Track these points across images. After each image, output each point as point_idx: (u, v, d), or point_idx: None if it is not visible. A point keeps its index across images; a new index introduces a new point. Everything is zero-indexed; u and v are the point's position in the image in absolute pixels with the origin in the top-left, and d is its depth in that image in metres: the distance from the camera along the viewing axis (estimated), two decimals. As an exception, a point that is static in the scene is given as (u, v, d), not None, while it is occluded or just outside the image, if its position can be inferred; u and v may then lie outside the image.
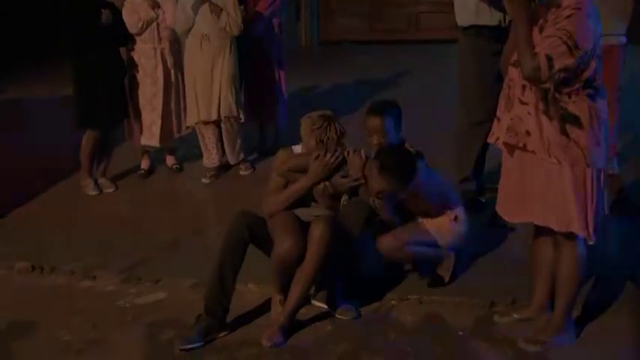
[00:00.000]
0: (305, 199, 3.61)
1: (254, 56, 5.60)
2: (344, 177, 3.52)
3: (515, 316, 3.41)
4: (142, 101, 5.48)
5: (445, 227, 3.67)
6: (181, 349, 3.33)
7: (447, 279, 3.74)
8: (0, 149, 6.25)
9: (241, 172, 5.53)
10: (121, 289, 4.08)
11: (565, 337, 3.19)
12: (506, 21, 4.19)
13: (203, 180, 5.53)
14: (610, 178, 4.18)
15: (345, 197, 3.57)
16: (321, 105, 7.06)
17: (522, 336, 3.23)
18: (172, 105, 5.53)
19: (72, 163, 5.66)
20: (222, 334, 3.44)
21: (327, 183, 3.52)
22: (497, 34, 4.19)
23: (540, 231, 3.23)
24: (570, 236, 3.03)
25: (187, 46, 5.34)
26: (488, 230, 4.17)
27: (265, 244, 3.54)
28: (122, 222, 5.01)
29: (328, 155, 3.50)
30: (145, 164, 5.76)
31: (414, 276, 3.84)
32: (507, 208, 3.22)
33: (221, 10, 5.17)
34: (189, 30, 5.26)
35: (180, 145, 6.04)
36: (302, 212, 3.59)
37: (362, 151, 3.57)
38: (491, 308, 3.54)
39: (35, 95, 8.56)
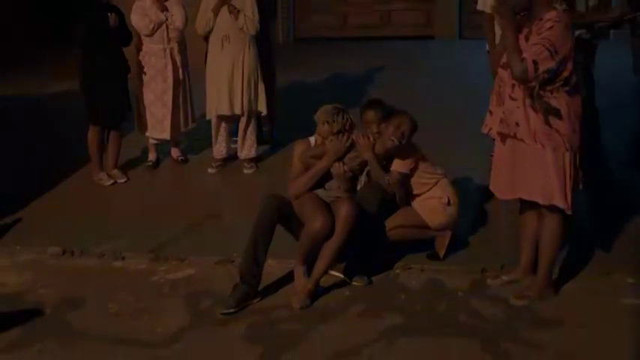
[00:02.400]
0: (322, 181, 4.24)
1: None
2: (356, 157, 4.18)
3: (505, 278, 4.11)
4: (152, 98, 6.02)
5: (438, 210, 4.33)
6: (222, 313, 3.94)
7: (441, 255, 4.38)
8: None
9: (245, 171, 6.04)
10: (152, 268, 4.64)
11: (548, 293, 3.91)
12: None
13: (209, 170, 6.10)
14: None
15: (362, 178, 4.23)
16: (302, 99, 7.76)
17: (512, 293, 3.93)
18: (180, 101, 6.09)
19: (76, 157, 6.21)
20: (256, 300, 4.05)
21: (345, 167, 4.15)
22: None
23: (526, 206, 3.94)
24: (552, 208, 3.73)
25: (210, 46, 5.87)
26: (477, 208, 4.87)
27: (291, 223, 4.18)
28: (140, 209, 5.56)
29: (341, 136, 4.15)
30: (152, 156, 6.30)
31: (414, 249, 4.49)
32: (499, 187, 3.92)
33: (239, 11, 5.69)
34: (210, 31, 5.78)
35: (182, 138, 6.60)
36: (321, 193, 4.23)
37: (369, 134, 4.25)
38: (483, 273, 4.23)
39: (17, 94, 8.89)
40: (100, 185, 5.94)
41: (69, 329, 3.91)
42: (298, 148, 4.34)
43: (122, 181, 5.99)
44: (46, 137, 7.26)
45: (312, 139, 4.36)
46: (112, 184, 5.95)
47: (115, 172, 6.03)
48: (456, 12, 11.24)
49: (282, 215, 4.12)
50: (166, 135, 6.15)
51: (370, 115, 4.34)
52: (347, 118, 4.23)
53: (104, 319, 4.01)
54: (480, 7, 5.55)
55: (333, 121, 4.16)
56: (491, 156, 4.73)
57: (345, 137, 4.18)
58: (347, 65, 9.67)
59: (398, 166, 4.23)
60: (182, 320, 3.93)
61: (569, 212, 3.72)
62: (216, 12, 5.70)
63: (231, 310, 3.95)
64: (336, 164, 4.20)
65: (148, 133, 6.17)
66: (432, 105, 7.31)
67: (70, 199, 5.76)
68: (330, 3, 11.79)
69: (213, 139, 6.03)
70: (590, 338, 3.57)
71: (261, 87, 5.93)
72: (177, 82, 6.05)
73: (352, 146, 4.21)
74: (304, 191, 4.19)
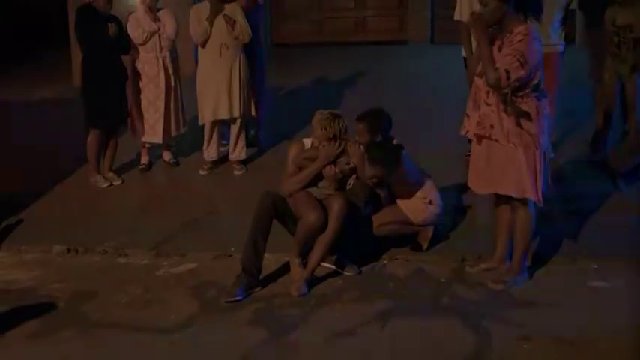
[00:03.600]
0: (315, 181, 4.68)
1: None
2: (347, 163, 4.62)
3: (483, 266, 4.60)
4: (146, 103, 6.42)
5: (421, 209, 4.79)
6: (227, 301, 4.37)
7: (424, 247, 4.87)
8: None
9: (235, 172, 6.47)
10: (155, 263, 5.05)
11: (521, 278, 4.41)
12: None
13: (200, 172, 6.50)
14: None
15: (351, 180, 4.67)
16: (282, 104, 8.16)
17: (490, 279, 4.43)
18: (172, 107, 6.49)
19: (68, 160, 6.64)
20: (257, 289, 4.49)
21: (336, 170, 4.59)
22: None
23: (501, 200, 4.43)
24: (525, 201, 4.24)
25: (205, 54, 6.26)
26: (456, 203, 5.38)
27: (285, 218, 4.62)
28: (138, 209, 5.95)
29: (333, 142, 4.60)
30: (144, 160, 6.69)
31: (399, 242, 4.94)
32: (477, 183, 4.41)
33: (234, 21, 6.12)
34: (206, 40, 6.19)
35: (172, 142, 6.99)
36: (314, 191, 4.67)
37: (359, 144, 4.70)
38: (462, 262, 4.72)
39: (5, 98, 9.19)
40: (97, 188, 6.30)
41: (85, 319, 4.30)
42: (292, 150, 4.77)
43: (117, 183, 6.37)
44: (36, 141, 7.57)
45: (305, 141, 4.79)
46: (108, 186, 6.32)
47: (111, 174, 6.41)
48: (428, 18, 11.77)
49: (278, 211, 4.56)
50: (158, 139, 6.55)
51: (359, 127, 4.72)
52: (342, 125, 4.61)
53: (118, 309, 4.41)
54: (456, 17, 6.06)
55: (330, 127, 4.55)
56: (467, 156, 5.27)
57: (337, 143, 4.60)
58: (324, 70, 10.09)
59: None
60: (191, 308, 4.35)
61: (540, 204, 4.23)
62: (211, 21, 6.11)
63: (236, 298, 4.37)
64: (328, 167, 4.61)
65: (143, 138, 6.55)
66: (408, 108, 7.75)
67: (68, 201, 6.13)
68: (306, 9, 12.24)
69: (206, 143, 6.43)
70: (560, 315, 4.07)
71: (250, 92, 6.37)
72: (169, 89, 6.45)
73: (344, 151, 4.65)
74: (297, 190, 4.62)
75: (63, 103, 8.98)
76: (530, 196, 4.18)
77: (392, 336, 3.96)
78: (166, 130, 6.53)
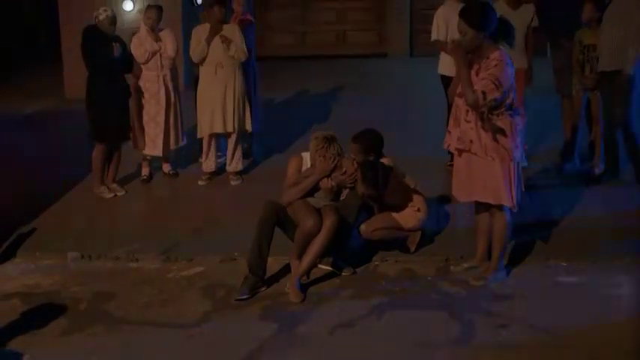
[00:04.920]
0: (312, 192, 5.28)
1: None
2: (342, 175, 5.22)
3: (465, 265, 5.24)
4: (147, 119, 6.98)
5: (410, 215, 5.40)
6: (237, 300, 4.95)
7: (412, 250, 5.49)
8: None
9: (232, 183, 7.04)
10: (165, 267, 5.59)
11: (500, 275, 5.06)
12: None
13: (199, 182, 7.06)
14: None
15: (345, 192, 5.27)
16: (271, 117, 8.75)
17: (472, 276, 5.07)
18: (171, 121, 7.06)
19: (72, 171, 7.16)
20: (263, 289, 5.07)
21: (332, 183, 5.18)
22: None
23: (480, 206, 5.07)
24: (501, 208, 4.88)
25: (203, 72, 6.85)
26: (440, 209, 6.03)
27: (285, 225, 5.19)
28: (143, 217, 6.51)
29: (328, 157, 5.20)
30: (145, 171, 7.24)
31: (389, 245, 5.55)
32: (459, 192, 5.05)
33: (230, 41, 6.70)
34: (204, 58, 6.77)
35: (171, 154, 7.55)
36: (311, 200, 5.26)
37: (354, 160, 5.30)
38: (446, 262, 5.36)
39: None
40: (101, 198, 6.83)
41: (109, 317, 4.84)
42: (293, 163, 5.35)
43: (121, 194, 6.90)
44: (36, 153, 8.05)
45: (304, 155, 5.37)
46: (113, 196, 6.86)
47: (115, 185, 6.94)
48: (407, 31, 12.44)
49: (279, 218, 5.14)
50: (158, 152, 7.10)
51: (353, 147, 5.34)
52: (337, 148, 5.17)
53: (137, 308, 4.95)
54: (434, 37, 6.74)
55: (326, 153, 5.11)
56: (449, 165, 5.93)
57: (332, 159, 5.17)
58: (308, 83, 10.72)
59: None
60: (204, 307, 4.91)
61: (515, 210, 4.87)
62: (209, 41, 6.69)
63: (245, 297, 4.95)
64: (325, 180, 5.20)
65: (144, 151, 7.10)
66: (390, 118, 8.33)
67: (76, 211, 6.63)
68: (289, 23, 12.88)
69: (204, 155, 7.01)
70: (534, 307, 4.73)
71: (247, 107, 6.96)
72: (169, 105, 7.01)
73: (338, 166, 5.21)
74: (296, 200, 5.20)
75: (57, 116, 9.52)
76: (506, 203, 4.82)
77: (387, 327, 4.58)
78: (166, 143, 7.09)
